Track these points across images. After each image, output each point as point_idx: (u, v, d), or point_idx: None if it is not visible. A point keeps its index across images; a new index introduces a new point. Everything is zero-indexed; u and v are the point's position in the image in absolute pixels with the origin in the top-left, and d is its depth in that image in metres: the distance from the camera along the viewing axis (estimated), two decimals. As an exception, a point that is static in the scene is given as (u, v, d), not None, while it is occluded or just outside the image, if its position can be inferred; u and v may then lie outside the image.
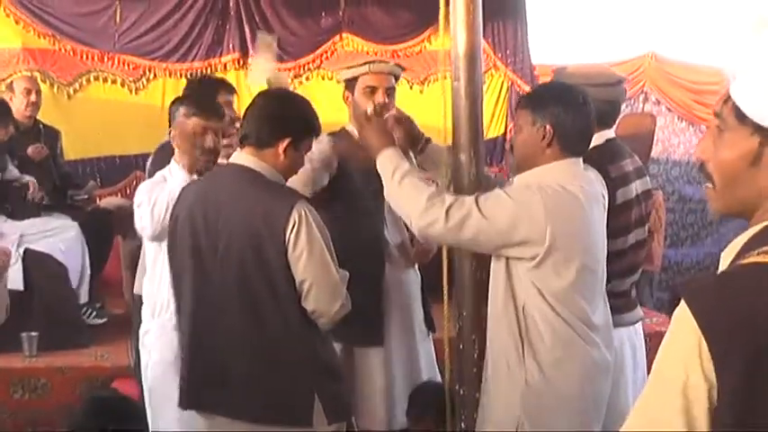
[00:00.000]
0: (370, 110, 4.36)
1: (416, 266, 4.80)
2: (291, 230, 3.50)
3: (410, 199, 3.47)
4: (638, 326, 4.35)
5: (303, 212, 3.52)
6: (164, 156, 4.86)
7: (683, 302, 1.74)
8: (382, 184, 4.13)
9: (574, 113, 3.48)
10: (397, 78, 4.78)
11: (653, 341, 6.40)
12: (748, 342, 1.66)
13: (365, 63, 4.79)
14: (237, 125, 4.74)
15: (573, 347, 3.41)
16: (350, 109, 4.75)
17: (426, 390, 4.47)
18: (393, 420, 4.63)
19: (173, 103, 4.80)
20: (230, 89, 5.52)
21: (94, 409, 3.67)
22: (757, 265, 1.77)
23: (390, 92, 4.64)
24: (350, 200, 4.62)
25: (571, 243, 3.40)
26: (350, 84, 4.73)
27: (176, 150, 4.51)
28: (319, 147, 4.21)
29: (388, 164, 3.58)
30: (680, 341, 1.73)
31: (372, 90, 4.62)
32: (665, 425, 1.72)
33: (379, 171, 3.65)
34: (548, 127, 3.45)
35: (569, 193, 3.41)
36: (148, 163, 5.47)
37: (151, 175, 4.91)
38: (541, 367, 3.38)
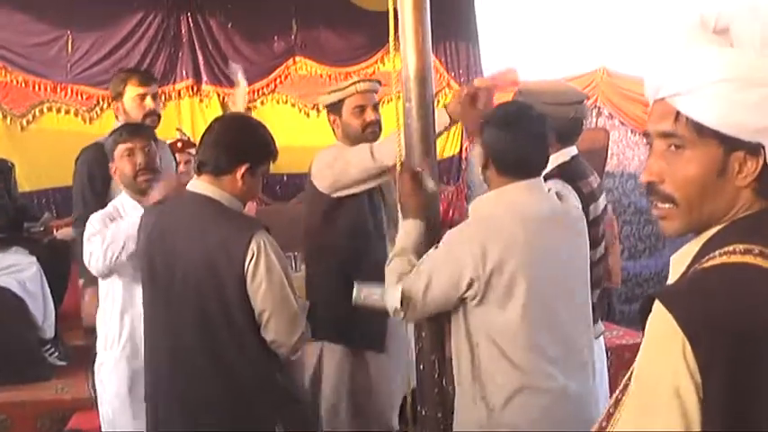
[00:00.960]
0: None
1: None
2: (250, 261, 3.48)
3: (388, 283, 3.50)
4: (601, 340, 4.36)
5: (262, 242, 3.50)
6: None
7: (661, 309, 1.77)
8: (379, 196, 4.24)
9: (507, 135, 3.40)
10: (376, 93, 4.91)
11: (614, 354, 6.45)
12: (731, 342, 1.70)
13: (351, 84, 4.88)
14: (192, 150, 4.77)
15: (524, 388, 3.30)
16: (338, 130, 4.87)
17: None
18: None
19: (107, 143, 4.81)
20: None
21: None
22: (725, 266, 1.81)
23: (376, 108, 4.81)
24: (357, 214, 4.71)
25: (513, 273, 3.28)
26: (334, 107, 4.83)
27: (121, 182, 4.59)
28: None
29: (403, 235, 3.62)
30: (664, 347, 1.76)
31: (362, 109, 4.76)
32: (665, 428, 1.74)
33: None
34: (482, 150, 3.44)
35: (512, 219, 3.35)
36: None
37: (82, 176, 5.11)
38: (493, 409, 3.30)
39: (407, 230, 3.59)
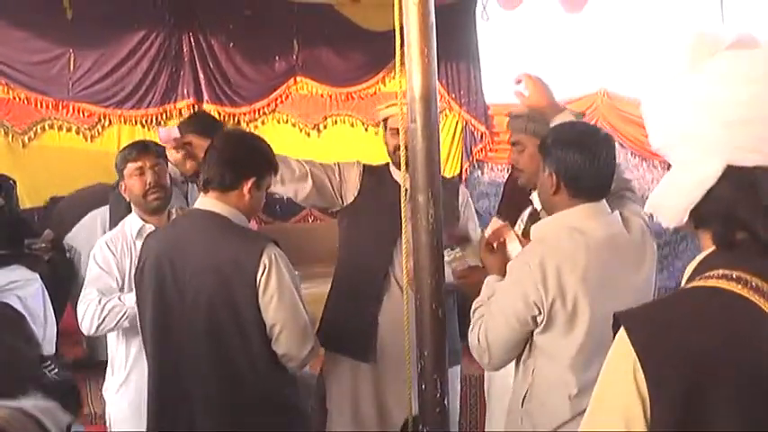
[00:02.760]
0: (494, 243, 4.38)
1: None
2: (262, 274, 3.50)
3: (471, 331, 3.56)
4: None
5: (273, 256, 3.53)
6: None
7: (621, 329, 1.86)
8: (398, 218, 4.28)
9: (586, 156, 3.39)
10: None
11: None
12: (680, 364, 1.77)
13: (392, 105, 4.85)
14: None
15: (576, 417, 3.25)
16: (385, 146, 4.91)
17: None
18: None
19: (116, 160, 4.81)
20: None
21: None
22: (695, 289, 1.88)
23: None
24: (362, 230, 4.75)
25: (576, 298, 3.26)
26: (383, 123, 4.90)
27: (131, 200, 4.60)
28: None
29: (485, 288, 3.67)
30: (618, 364, 1.86)
31: (396, 132, 4.67)
32: None
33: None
34: (553, 174, 3.41)
35: (573, 242, 3.33)
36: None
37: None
38: None
39: (489, 284, 3.64)
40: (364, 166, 4.91)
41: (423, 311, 3.48)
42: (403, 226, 3.67)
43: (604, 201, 3.49)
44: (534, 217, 4.14)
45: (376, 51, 9.13)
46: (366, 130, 9.73)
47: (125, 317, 4.33)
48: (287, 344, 3.58)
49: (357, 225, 4.81)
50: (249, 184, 3.64)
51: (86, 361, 6.73)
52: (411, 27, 3.35)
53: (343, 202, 4.84)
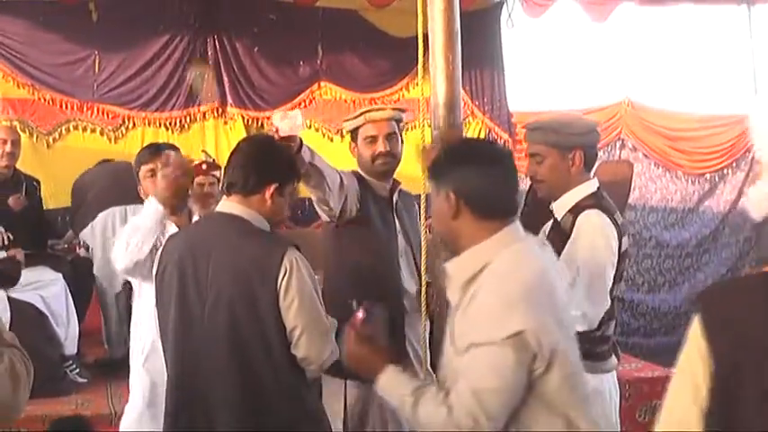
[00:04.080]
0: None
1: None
2: (283, 278, 3.51)
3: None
4: (614, 373, 4.34)
5: (294, 260, 3.54)
6: None
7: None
8: (395, 224, 4.23)
9: (490, 171, 3.02)
10: (399, 122, 4.75)
11: (633, 387, 6.44)
12: (736, 342, 2.00)
13: (360, 114, 4.78)
14: (217, 173, 4.78)
15: None
16: (356, 158, 4.80)
17: None
18: None
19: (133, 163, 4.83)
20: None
21: None
22: (763, 275, 2.09)
23: (391, 137, 4.64)
24: (364, 245, 4.64)
25: (542, 335, 2.80)
26: (353, 135, 4.76)
27: None
28: None
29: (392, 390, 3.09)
30: (692, 340, 2.10)
31: (373, 139, 4.65)
32: (684, 412, 2.12)
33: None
34: (451, 194, 2.98)
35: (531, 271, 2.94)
36: None
37: None
38: None
39: (388, 379, 3.14)
40: (358, 176, 4.74)
41: (440, 335, 3.48)
42: (422, 240, 3.66)
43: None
44: (556, 229, 4.15)
45: (400, 57, 9.12)
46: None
47: (148, 217, 4.25)
48: (307, 347, 3.58)
49: (359, 242, 4.67)
50: (271, 189, 3.65)
51: (108, 361, 6.77)
52: (436, 34, 3.38)
53: (343, 213, 4.58)
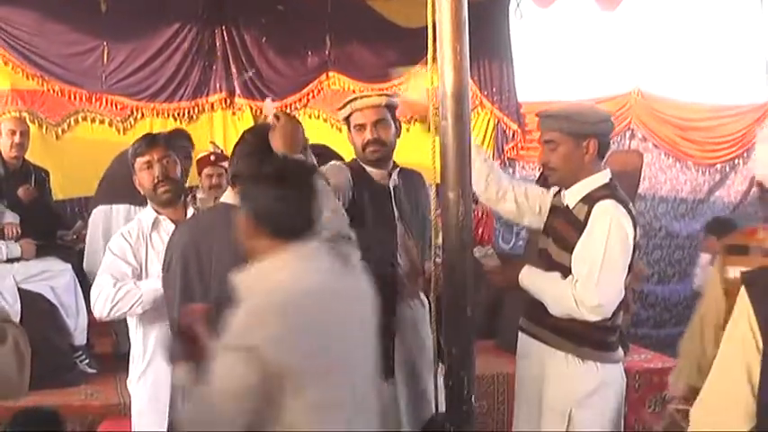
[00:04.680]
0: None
1: (427, 297, 4.47)
2: None
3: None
4: (620, 365, 4.33)
5: None
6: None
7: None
8: (393, 212, 4.21)
9: (279, 191, 3.03)
10: (391, 107, 4.68)
11: (642, 378, 6.44)
12: None
13: (347, 103, 4.75)
14: (225, 164, 4.76)
15: None
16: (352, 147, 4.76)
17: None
18: None
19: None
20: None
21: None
22: None
23: (381, 124, 4.58)
24: (364, 229, 4.61)
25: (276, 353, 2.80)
26: (347, 124, 4.73)
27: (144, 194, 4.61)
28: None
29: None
30: (740, 314, 2.44)
31: (362, 127, 4.61)
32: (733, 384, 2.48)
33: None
34: (248, 214, 3.08)
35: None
36: None
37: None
38: None
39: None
40: (350, 167, 4.68)
41: (450, 309, 3.49)
42: (433, 223, 3.65)
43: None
44: (568, 217, 4.14)
45: (408, 48, 9.08)
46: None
47: (139, 302, 4.28)
48: None
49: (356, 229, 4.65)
50: (276, 179, 3.63)
51: (116, 351, 6.78)
52: (444, 23, 3.35)
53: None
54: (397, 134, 4.65)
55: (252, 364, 2.76)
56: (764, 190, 3.60)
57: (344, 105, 4.76)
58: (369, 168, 4.65)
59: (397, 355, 4.58)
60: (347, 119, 4.72)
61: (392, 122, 4.62)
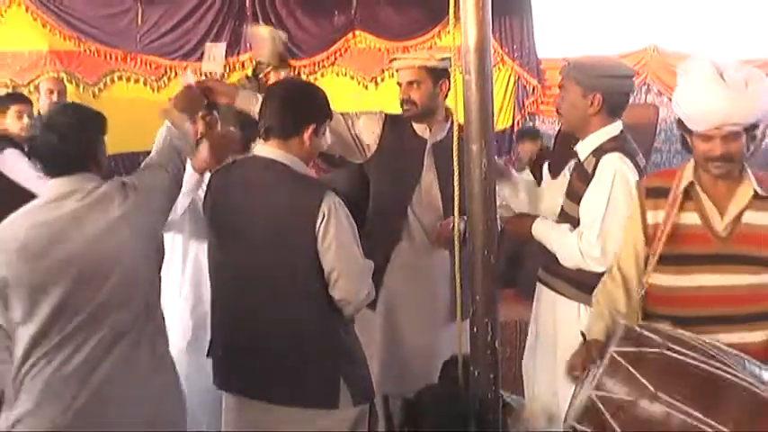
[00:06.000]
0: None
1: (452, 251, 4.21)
2: (321, 221, 3.46)
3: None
4: None
5: (333, 204, 3.49)
6: None
7: None
8: (422, 164, 4.46)
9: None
10: (430, 69, 4.65)
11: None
12: None
13: (390, 61, 4.88)
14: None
15: None
16: None
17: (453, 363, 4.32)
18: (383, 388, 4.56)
19: None
20: None
21: None
22: None
23: (413, 85, 4.61)
24: (382, 174, 4.66)
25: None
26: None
27: None
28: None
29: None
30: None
31: (399, 86, 4.68)
32: None
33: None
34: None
35: None
36: None
37: None
38: None
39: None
40: (387, 116, 4.79)
41: (475, 258, 3.47)
42: (455, 176, 3.63)
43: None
44: (579, 170, 4.10)
45: (432, 6, 9.07)
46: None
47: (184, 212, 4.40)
48: (345, 289, 3.56)
49: (377, 174, 4.75)
50: (309, 131, 3.61)
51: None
52: (466, -20, 3.31)
53: (366, 152, 4.73)
54: (444, 94, 4.66)
55: None
56: (684, 129, 3.42)
57: (390, 62, 4.91)
58: (414, 123, 4.70)
59: (395, 292, 4.64)
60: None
61: (430, 82, 4.63)
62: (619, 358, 2.98)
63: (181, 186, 3.76)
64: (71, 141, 3.35)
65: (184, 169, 3.79)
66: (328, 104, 3.78)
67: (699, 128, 3.30)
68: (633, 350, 3.00)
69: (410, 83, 4.61)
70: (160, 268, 3.57)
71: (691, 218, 3.38)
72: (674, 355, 2.93)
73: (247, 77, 5.93)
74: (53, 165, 3.36)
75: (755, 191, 3.33)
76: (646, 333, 3.07)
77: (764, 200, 3.34)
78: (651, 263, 3.43)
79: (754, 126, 3.26)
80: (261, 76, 5.54)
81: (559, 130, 5.20)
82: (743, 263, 3.31)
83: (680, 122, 3.44)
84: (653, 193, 3.51)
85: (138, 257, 3.38)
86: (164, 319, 3.59)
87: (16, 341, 3.34)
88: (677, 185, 3.42)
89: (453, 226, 3.86)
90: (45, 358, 3.28)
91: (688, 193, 3.39)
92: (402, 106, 4.65)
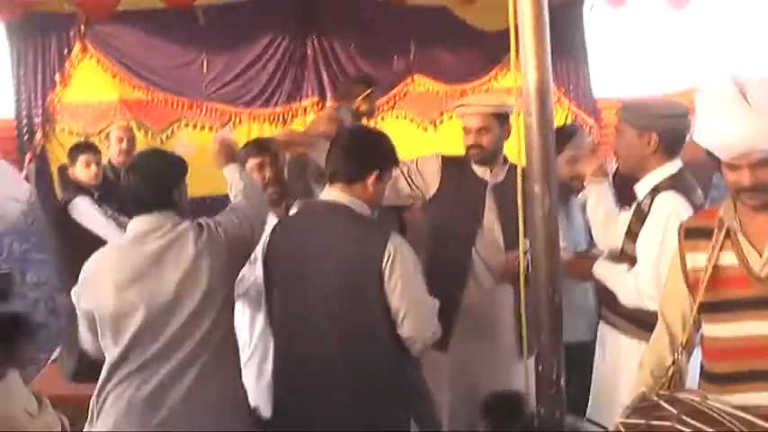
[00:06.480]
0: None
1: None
2: (387, 261, 3.50)
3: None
4: None
5: (397, 245, 3.53)
6: None
7: None
8: (484, 205, 4.55)
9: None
10: (498, 114, 4.73)
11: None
12: None
13: (456, 108, 4.99)
14: None
15: None
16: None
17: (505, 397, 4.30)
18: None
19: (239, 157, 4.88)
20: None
21: None
22: None
23: (483, 131, 4.71)
24: (444, 214, 4.68)
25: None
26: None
27: None
28: None
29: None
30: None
31: (467, 131, 4.75)
32: None
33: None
34: None
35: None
36: None
37: None
38: None
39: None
40: (443, 158, 4.87)
41: (539, 298, 3.45)
42: (520, 216, 3.63)
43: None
44: (637, 208, 4.09)
45: (489, 50, 9.08)
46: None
47: (251, 285, 4.40)
48: (411, 327, 3.57)
49: (439, 216, 4.78)
50: (373, 176, 3.65)
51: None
52: (526, 25, 3.33)
53: (424, 196, 4.82)
54: (506, 136, 4.70)
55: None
56: (714, 157, 2.95)
57: (454, 108, 5.05)
58: (474, 165, 4.79)
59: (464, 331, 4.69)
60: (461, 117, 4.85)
61: (497, 127, 4.67)
62: (623, 431, 2.68)
63: (262, 232, 3.85)
64: (154, 181, 3.61)
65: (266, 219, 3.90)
66: (394, 151, 3.82)
67: (723, 156, 2.95)
68: (641, 422, 2.66)
69: (479, 129, 4.64)
70: (233, 305, 3.68)
71: (729, 258, 3.02)
72: (685, 429, 2.56)
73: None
74: (138, 203, 3.61)
75: None
76: (662, 403, 2.72)
77: None
78: (693, 312, 3.08)
79: None
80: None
81: (616, 171, 5.18)
82: None
83: (708, 151, 3.06)
84: (692, 235, 3.18)
85: (211, 290, 3.49)
86: (237, 354, 3.71)
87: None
88: (719, 225, 3.06)
89: (519, 262, 3.87)
90: (127, 380, 3.52)
91: (728, 232, 3.02)
92: (468, 151, 4.68)
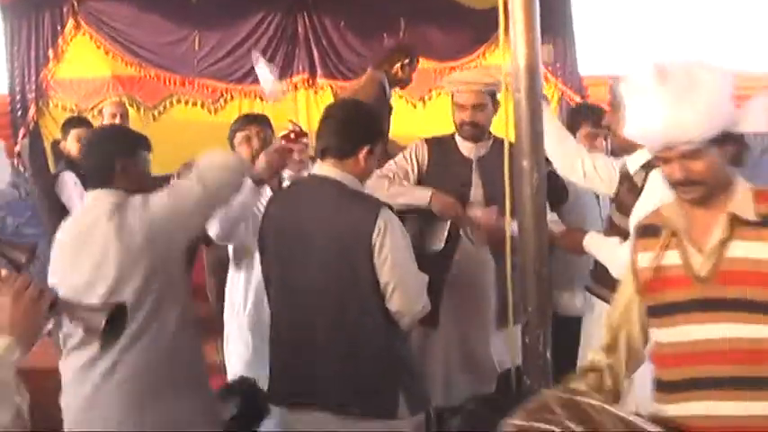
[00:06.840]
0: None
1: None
2: (377, 236, 3.48)
3: None
4: None
5: (387, 219, 3.51)
6: None
7: None
8: (470, 181, 4.60)
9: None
10: (491, 91, 4.68)
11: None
12: None
13: (448, 81, 4.96)
14: (305, 140, 4.79)
15: None
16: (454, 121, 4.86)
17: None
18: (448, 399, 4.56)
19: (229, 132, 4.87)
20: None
21: None
22: None
23: (479, 108, 4.66)
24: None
25: None
26: (451, 99, 4.85)
27: None
28: None
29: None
30: None
31: (462, 107, 4.70)
32: None
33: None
34: None
35: None
36: None
37: None
38: None
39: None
40: (427, 140, 4.85)
41: (526, 271, 3.45)
42: (506, 190, 3.62)
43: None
44: (628, 181, 4.10)
45: (477, 28, 9.07)
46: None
47: (243, 208, 4.30)
48: (400, 301, 3.56)
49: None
50: (364, 151, 3.63)
51: (215, 317, 6.83)
52: (515, 3, 3.32)
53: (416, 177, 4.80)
54: (494, 112, 4.68)
55: None
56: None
57: (447, 84, 4.96)
58: (460, 141, 4.75)
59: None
60: (453, 96, 4.80)
61: (491, 104, 4.65)
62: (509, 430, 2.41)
63: (217, 204, 3.81)
64: (93, 157, 3.71)
65: (237, 189, 3.87)
66: (383, 127, 3.81)
67: (649, 148, 2.77)
68: (524, 424, 2.39)
69: (475, 105, 4.61)
70: (187, 270, 3.69)
71: (673, 258, 2.73)
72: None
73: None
74: (85, 179, 3.75)
75: (735, 215, 2.60)
76: (552, 405, 2.43)
77: (756, 226, 2.60)
78: (639, 316, 2.84)
79: (728, 137, 2.62)
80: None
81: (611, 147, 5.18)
82: (736, 309, 2.57)
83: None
84: (645, 233, 2.87)
85: (123, 274, 3.45)
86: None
87: None
88: (664, 222, 2.77)
89: (501, 222, 3.86)
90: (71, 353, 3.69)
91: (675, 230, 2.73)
92: (462, 127, 4.66)
